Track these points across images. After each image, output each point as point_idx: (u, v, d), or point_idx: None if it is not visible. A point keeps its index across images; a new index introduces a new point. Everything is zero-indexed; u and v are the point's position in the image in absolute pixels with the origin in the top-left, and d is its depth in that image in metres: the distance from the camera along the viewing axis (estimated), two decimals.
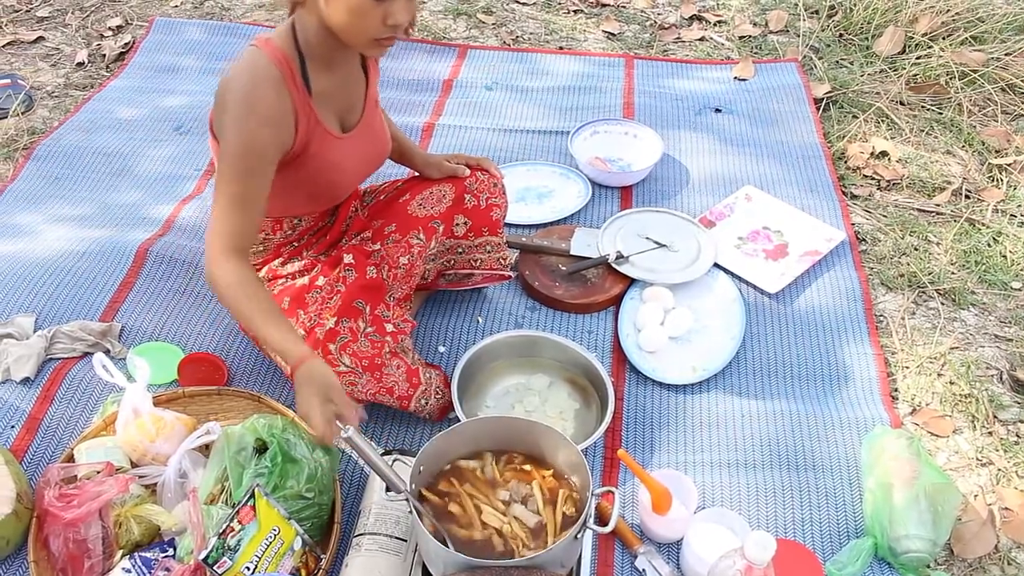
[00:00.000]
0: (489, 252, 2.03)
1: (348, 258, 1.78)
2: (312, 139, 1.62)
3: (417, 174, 1.98)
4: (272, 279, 1.80)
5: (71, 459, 1.65)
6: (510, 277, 2.09)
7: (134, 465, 1.64)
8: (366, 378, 1.68)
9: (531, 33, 3.29)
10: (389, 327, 1.75)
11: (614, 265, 2.18)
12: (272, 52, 1.53)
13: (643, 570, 1.62)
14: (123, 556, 1.50)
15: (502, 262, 2.06)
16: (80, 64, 3.09)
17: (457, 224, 1.96)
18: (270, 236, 1.79)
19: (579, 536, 1.40)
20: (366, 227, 1.88)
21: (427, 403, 1.79)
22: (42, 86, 2.98)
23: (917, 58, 3.00)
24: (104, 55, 3.13)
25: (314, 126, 1.61)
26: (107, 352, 1.96)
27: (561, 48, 3.19)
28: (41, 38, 3.23)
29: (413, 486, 1.44)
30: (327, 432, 1.46)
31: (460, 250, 2.01)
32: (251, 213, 1.56)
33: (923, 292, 2.22)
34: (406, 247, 1.85)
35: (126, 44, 3.17)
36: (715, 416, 1.90)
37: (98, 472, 1.57)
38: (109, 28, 3.28)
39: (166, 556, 1.50)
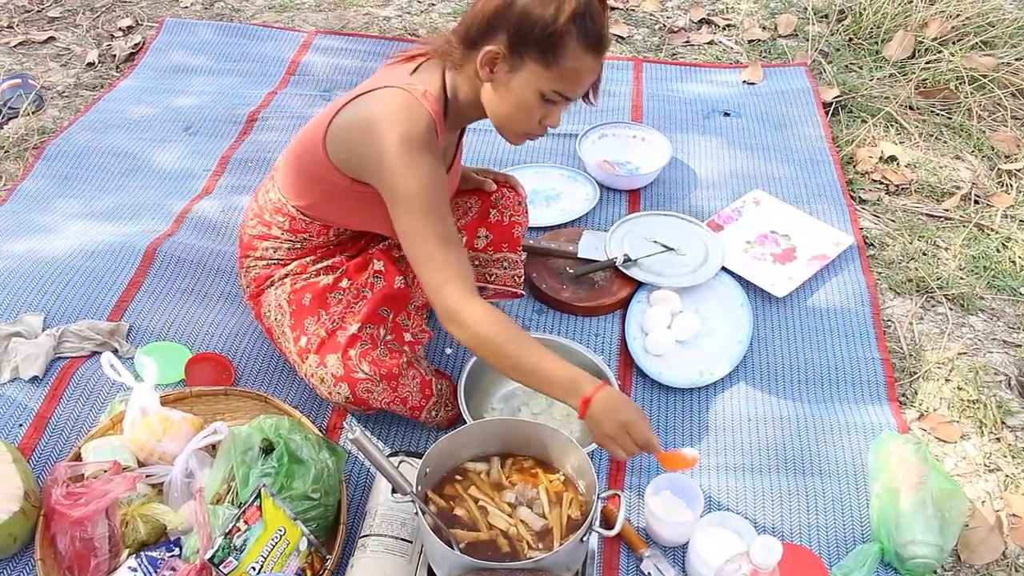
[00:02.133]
0: (506, 268, 2.03)
1: (378, 264, 1.76)
2: None
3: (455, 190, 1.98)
4: (298, 273, 1.79)
5: (78, 458, 1.66)
6: (522, 295, 2.09)
7: (141, 464, 1.65)
8: (382, 387, 1.68)
9: None
10: (407, 336, 1.76)
11: (621, 268, 2.17)
12: (429, 103, 1.53)
13: (648, 574, 1.62)
14: (129, 555, 1.51)
15: (516, 280, 2.06)
16: (90, 64, 3.11)
17: (479, 237, 1.98)
18: (312, 238, 1.78)
19: (585, 539, 1.40)
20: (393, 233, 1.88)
21: (437, 414, 1.80)
22: (52, 86, 3.00)
23: (927, 63, 3.00)
24: (114, 55, 3.15)
25: None
26: (115, 351, 1.97)
27: None
28: (52, 38, 3.25)
29: (419, 488, 1.44)
30: (650, 446, 1.47)
31: (477, 263, 2.01)
32: (461, 248, 1.55)
33: (931, 297, 2.22)
34: None
35: (136, 45, 3.19)
36: (722, 420, 1.90)
37: (105, 471, 1.58)
38: (119, 29, 3.30)
39: (172, 555, 1.50)
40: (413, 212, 1.50)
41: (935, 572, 1.61)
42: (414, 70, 1.60)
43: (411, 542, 1.55)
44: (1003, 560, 1.67)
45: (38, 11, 3.39)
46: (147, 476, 1.61)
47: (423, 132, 1.50)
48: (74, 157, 2.62)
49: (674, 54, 3.20)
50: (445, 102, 1.59)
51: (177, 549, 1.52)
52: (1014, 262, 2.31)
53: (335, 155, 1.61)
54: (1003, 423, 1.91)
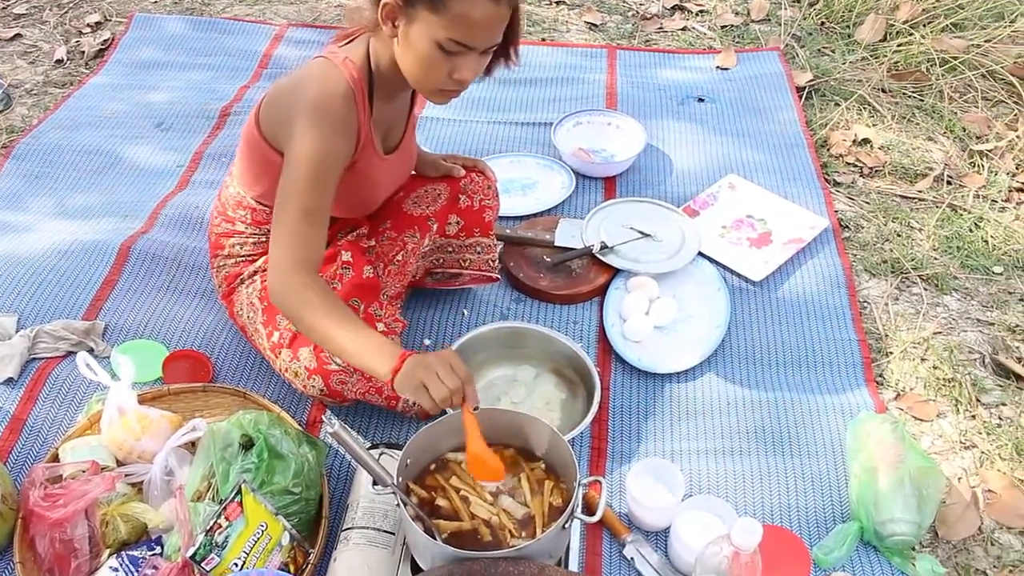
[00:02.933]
0: (479, 253, 2.03)
1: (346, 255, 1.76)
2: (361, 157, 1.64)
3: (412, 172, 1.98)
4: (267, 269, 1.78)
5: (56, 459, 1.64)
6: (498, 279, 2.09)
7: (120, 464, 1.64)
8: (356, 377, 1.68)
9: None
10: (380, 326, 1.75)
11: (599, 255, 2.18)
12: (348, 70, 1.53)
13: (631, 559, 1.63)
14: (110, 555, 1.49)
15: (491, 264, 2.07)
16: (59, 61, 3.07)
17: (450, 223, 1.97)
18: None
19: (567, 526, 1.40)
20: (361, 223, 1.88)
21: (414, 403, 1.79)
22: (20, 84, 2.96)
23: (898, 45, 3.01)
24: (83, 52, 3.11)
25: (366, 145, 1.63)
26: (91, 351, 1.95)
27: (543, 39, 3.19)
28: (19, 35, 3.21)
29: (400, 479, 1.44)
30: (455, 390, 1.40)
31: (450, 249, 2.01)
32: (322, 226, 1.53)
33: (906, 278, 2.24)
34: (401, 244, 1.86)
35: (105, 41, 3.15)
36: (701, 404, 1.91)
37: (83, 471, 1.56)
38: (88, 25, 3.26)
39: (153, 554, 1.49)
40: (294, 177, 1.49)
41: (914, 549, 1.63)
42: (345, 44, 1.60)
43: (393, 534, 1.55)
44: (979, 535, 1.69)
45: (3, 8, 3.35)
46: (126, 475, 1.60)
47: (337, 99, 1.50)
48: (45, 156, 2.59)
49: (647, 41, 3.20)
50: (371, 71, 1.57)
51: (158, 548, 1.51)
52: (987, 242, 2.34)
53: (265, 130, 1.63)
54: (978, 401, 1.93)
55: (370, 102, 1.60)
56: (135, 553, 1.49)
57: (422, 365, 1.40)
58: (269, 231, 1.76)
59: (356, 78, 1.54)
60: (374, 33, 1.55)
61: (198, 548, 1.41)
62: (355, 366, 1.55)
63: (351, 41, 1.61)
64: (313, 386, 1.67)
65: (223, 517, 1.44)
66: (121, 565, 1.47)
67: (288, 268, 1.48)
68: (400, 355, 1.43)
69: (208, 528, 1.42)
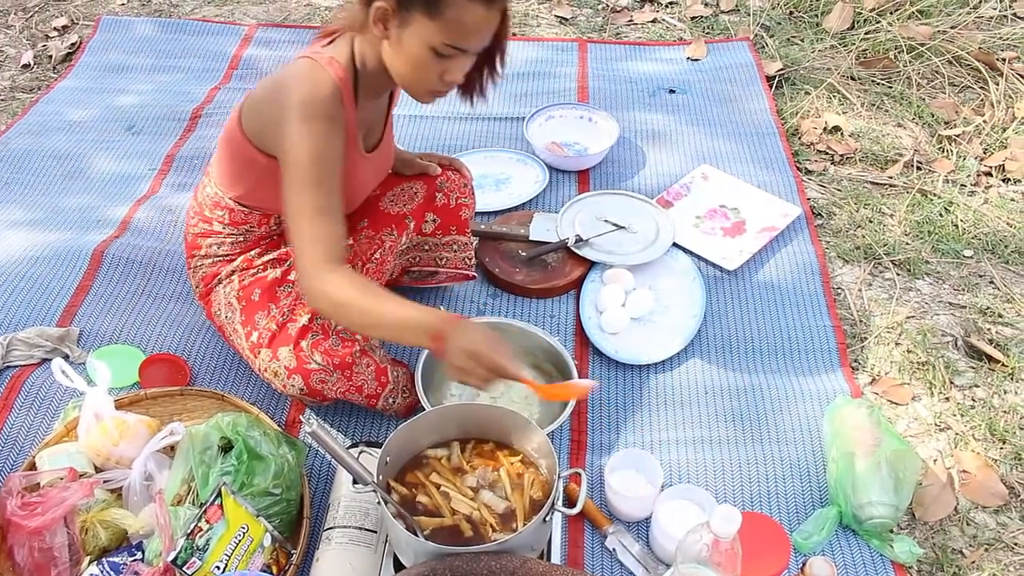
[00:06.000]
0: (455, 251, 2.04)
1: None
2: (345, 157, 1.62)
3: (390, 170, 1.97)
4: (245, 268, 1.78)
5: (33, 467, 1.63)
6: (474, 277, 2.10)
7: (98, 470, 1.63)
8: (336, 376, 1.68)
9: None
10: None
11: (574, 249, 2.19)
12: (334, 70, 1.52)
13: (613, 549, 1.64)
14: (91, 562, 1.49)
15: (467, 262, 2.07)
16: (26, 66, 3.04)
17: (427, 221, 1.98)
18: (254, 229, 1.77)
19: (548, 519, 1.41)
20: None
21: (394, 401, 1.79)
22: None
23: (866, 33, 3.04)
24: (51, 56, 3.08)
25: (350, 143, 1.62)
26: (66, 357, 1.93)
27: (514, 34, 3.19)
28: None
29: (380, 477, 1.44)
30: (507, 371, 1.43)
31: (427, 247, 2.01)
32: (339, 219, 1.51)
33: (879, 263, 2.26)
34: (379, 243, 1.86)
35: (72, 44, 3.12)
36: (679, 394, 1.92)
37: (61, 478, 1.55)
38: (54, 28, 3.22)
39: (135, 560, 1.49)
40: (299, 179, 1.48)
41: (891, 531, 1.65)
42: (328, 43, 1.60)
43: (375, 532, 1.55)
44: (955, 515, 1.71)
45: None
46: (105, 481, 1.59)
47: (326, 98, 1.49)
48: (13, 162, 2.56)
49: (618, 34, 3.21)
50: (356, 71, 1.57)
51: (139, 553, 1.50)
52: (957, 226, 2.36)
53: (249, 131, 1.62)
54: (951, 383, 1.96)
55: (355, 101, 1.60)
56: (116, 559, 1.48)
57: (456, 366, 1.42)
58: (247, 231, 1.76)
59: (342, 78, 1.53)
60: (361, 33, 1.55)
61: (179, 552, 1.40)
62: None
63: (333, 40, 1.60)
64: (293, 386, 1.67)
65: (204, 520, 1.43)
66: (102, 572, 1.46)
67: (317, 270, 1.46)
68: (435, 334, 1.41)
69: (189, 532, 1.42)
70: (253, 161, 1.64)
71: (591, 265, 2.18)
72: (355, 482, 1.43)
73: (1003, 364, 1.98)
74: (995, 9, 3.13)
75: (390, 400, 1.78)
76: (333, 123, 1.50)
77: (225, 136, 1.70)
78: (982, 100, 2.80)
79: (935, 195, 2.47)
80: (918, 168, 2.57)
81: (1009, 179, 2.53)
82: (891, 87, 2.86)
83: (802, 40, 3.10)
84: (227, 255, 1.79)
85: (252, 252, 1.79)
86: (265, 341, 1.68)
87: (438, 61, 1.47)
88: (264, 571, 1.49)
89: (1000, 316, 2.11)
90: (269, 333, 1.69)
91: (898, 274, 2.23)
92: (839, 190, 2.49)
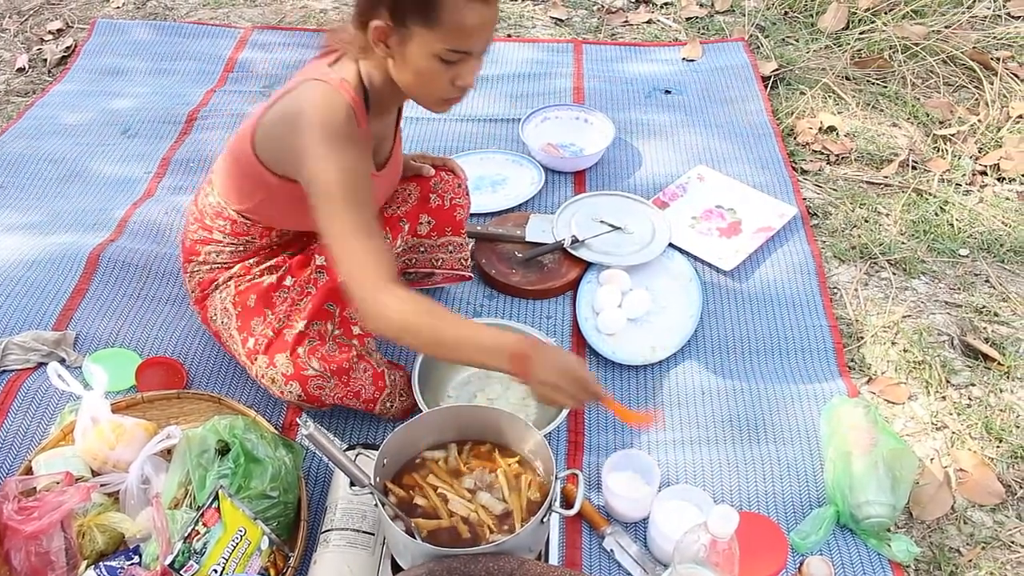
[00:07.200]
0: (451, 252, 2.04)
1: (320, 260, 1.74)
2: None
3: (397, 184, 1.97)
4: (242, 275, 1.78)
5: (29, 471, 1.63)
6: (470, 278, 2.10)
7: (95, 474, 1.62)
8: (334, 382, 1.68)
9: None
10: (356, 330, 1.75)
11: (570, 250, 2.19)
12: (346, 91, 1.51)
13: (611, 550, 1.64)
14: (88, 566, 1.48)
15: (463, 263, 2.07)
16: (21, 69, 3.04)
17: (421, 223, 1.98)
18: (255, 240, 1.77)
19: (545, 520, 1.41)
20: None
21: (392, 405, 1.80)
22: None
23: (861, 33, 3.05)
24: (46, 60, 3.07)
25: None
26: (62, 361, 1.93)
27: (509, 35, 3.19)
28: None
29: (378, 479, 1.44)
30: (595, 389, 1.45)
31: (422, 249, 2.01)
32: (379, 235, 1.49)
33: (875, 263, 2.26)
34: None
35: (68, 48, 3.12)
36: (675, 395, 1.92)
37: (58, 483, 1.55)
38: (49, 32, 3.22)
39: (132, 564, 1.48)
40: (332, 204, 1.46)
41: (889, 530, 1.65)
42: (333, 63, 1.59)
43: (373, 534, 1.55)
44: (952, 514, 1.72)
45: None
46: (102, 485, 1.59)
47: (343, 121, 1.48)
48: (9, 166, 2.56)
49: (613, 34, 3.22)
50: (365, 90, 1.57)
51: (137, 557, 1.50)
52: (952, 225, 2.37)
53: (263, 154, 1.60)
54: (948, 382, 1.96)
55: (367, 121, 1.59)
56: (113, 563, 1.48)
57: (549, 383, 1.41)
58: (247, 242, 1.76)
59: (354, 99, 1.52)
60: (364, 57, 1.54)
61: (176, 556, 1.40)
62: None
63: (336, 60, 1.59)
64: (291, 392, 1.66)
65: (201, 524, 1.43)
66: None
67: (373, 292, 1.41)
68: (517, 356, 1.40)
69: (186, 535, 1.42)
70: (265, 182, 1.63)
71: (587, 266, 2.18)
72: (352, 484, 1.42)
73: (999, 363, 1.99)
74: (989, 9, 3.13)
75: (388, 404, 1.78)
76: (355, 143, 1.49)
77: (233, 156, 1.68)
78: (977, 99, 2.81)
79: (930, 194, 2.47)
80: (913, 168, 2.57)
81: (1004, 178, 2.53)
82: (886, 87, 2.87)
83: (797, 40, 3.10)
84: (225, 263, 1.79)
85: (251, 260, 1.79)
86: (262, 348, 1.68)
87: (446, 68, 1.46)
88: (261, 574, 1.49)
89: (996, 315, 2.12)
90: (265, 339, 1.68)
91: (894, 273, 2.24)
92: (835, 190, 2.50)
